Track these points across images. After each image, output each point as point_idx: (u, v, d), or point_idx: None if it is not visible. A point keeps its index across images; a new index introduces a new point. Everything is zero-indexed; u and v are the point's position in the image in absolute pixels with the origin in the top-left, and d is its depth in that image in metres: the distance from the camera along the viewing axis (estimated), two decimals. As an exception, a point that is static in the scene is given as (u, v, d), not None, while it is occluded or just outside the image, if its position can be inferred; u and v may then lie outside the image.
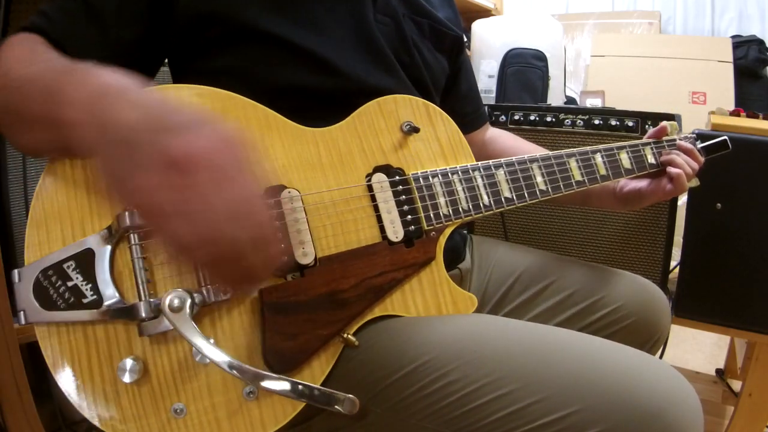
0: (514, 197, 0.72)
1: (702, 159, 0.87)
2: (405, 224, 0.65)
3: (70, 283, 0.52)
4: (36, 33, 0.60)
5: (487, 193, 0.71)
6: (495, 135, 1.01)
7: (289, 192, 0.61)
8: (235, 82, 0.63)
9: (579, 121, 1.26)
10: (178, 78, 0.71)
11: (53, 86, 0.50)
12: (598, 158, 0.80)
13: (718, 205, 1.11)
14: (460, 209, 0.69)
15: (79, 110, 0.47)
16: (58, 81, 0.50)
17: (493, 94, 2.27)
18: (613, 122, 1.23)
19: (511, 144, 0.99)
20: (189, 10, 0.64)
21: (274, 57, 0.67)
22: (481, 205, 0.70)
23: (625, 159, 0.82)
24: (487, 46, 2.28)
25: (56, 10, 0.62)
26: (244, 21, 0.66)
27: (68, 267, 0.52)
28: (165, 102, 0.45)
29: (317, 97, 0.69)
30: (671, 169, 0.83)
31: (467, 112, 0.94)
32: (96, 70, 0.50)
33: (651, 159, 0.84)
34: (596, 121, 1.24)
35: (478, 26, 2.32)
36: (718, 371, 1.68)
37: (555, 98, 2.28)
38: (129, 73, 0.49)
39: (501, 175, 0.72)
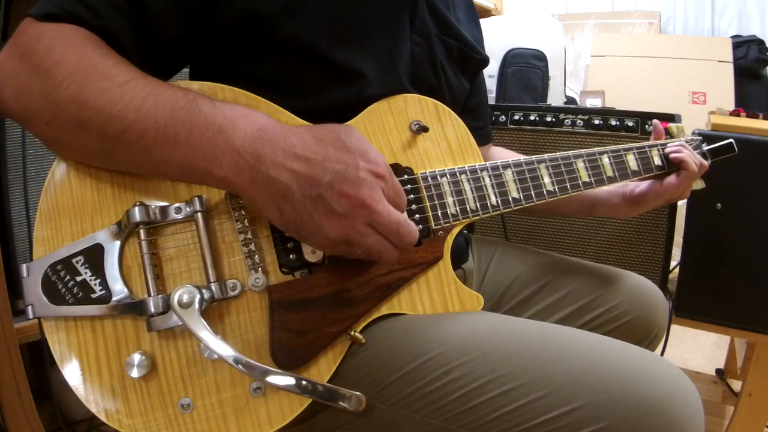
0: (522, 197, 0.72)
1: (707, 163, 0.87)
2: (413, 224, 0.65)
3: (78, 278, 0.52)
4: (78, 25, 0.54)
5: (495, 193, 0.71)
6: (496, 150, 1.01)
7: None
8: (263, 91, 0.62)
9: (579, 121, 1.26)
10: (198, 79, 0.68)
11: (179, 135, 0.50)
12: (605, 159, 0.80)
13: (718, 205, 1.11)
14: (468, 209, 0.69)
15: (231, 169, 0.50)
16: (183, 128, 0.50)
17: (493, 94, 2.27)
18: (613, 122, 1.23)
19: (509, 155, 0.99)
20: (239, 11, 0.61)
21: (313, 74, 0.65)
22: (489, 205, 0.70)
23: (631, 160, 0.82)
24: (487, 46, 2.27)
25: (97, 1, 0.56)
26: (291, 30, 0.63)
27: (77, 262, 0.52)
28: (311, 144, 0.51)
29: (345, 117, 0.67)
30: (676, 155, 0.83)
31: (476, 127, 0.89)
32: (223, 110, 0.51)
33: (657, 161, 0.84)
34: (596, 121, 1.24)
35: (479, 26, 2.32)
36: (718, 371, 1.69)
37: (555, 98, 2.28)
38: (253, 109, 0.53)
39: (509, 175, 0.72)
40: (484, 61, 0.87)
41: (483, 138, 0.95)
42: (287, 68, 0.65)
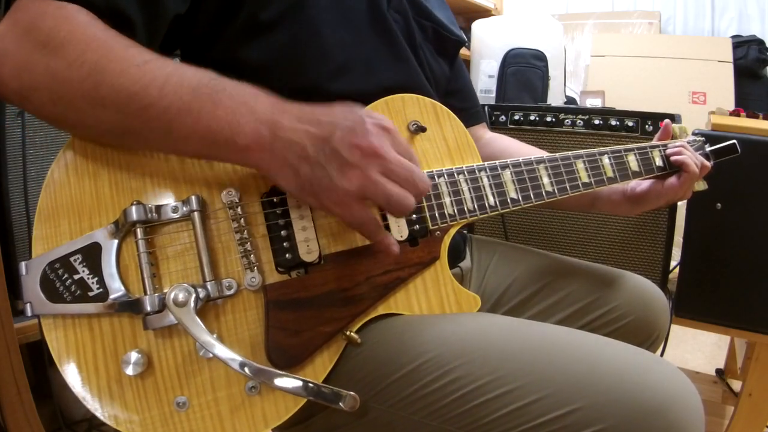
0: (520, 198, 0.72)
1: (710, 164, 0.86)
2: (410, 223, 0.65)
3: (76, 276, 0.52)
4: (83, 5, 0.54)
5: (493, 194, 0.70)
6: (495, 136, 1.01)
7: None
8: (252, 79, 0.62)
9: (579, 121, 1.26)
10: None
11: (204, 108, 0.51)
12: (606, 160, 0.79)
13: (718, 205, 1.11)
14: (466, 209, 0.68)
15: (253, 137, 0.52)
16: (208, 102, 0.51)
17: (493, 94, 2.27)
18: (613, 122, 1.23)
19: (508, 144, 0.99)
20: None
21: (301, 54, 0.67)
22: (487, 205, 0.70)
23: (632, 161, 0.81)
24: (487, 46, 2.28)
25: None
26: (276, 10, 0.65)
27: (75, 260, 0.52)
28: (320, 111, 0.54)
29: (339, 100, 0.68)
30: (677, 157, 0.82)
31: (460, 108, 0.90)
32: (245, 86, 0.54)
33: (659, 161, 0.84)
34: (596, 121, 1.24)
35: (478, 26, 2.32)
36: (718, 371, 1.69)
37: (555, 98, 2.28)
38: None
39: (507, 175, 0.72)
40: (460, 42, 0.88)
41: (472, 118, 0.95)
42: (275, 51, 0.66)
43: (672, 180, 0.83)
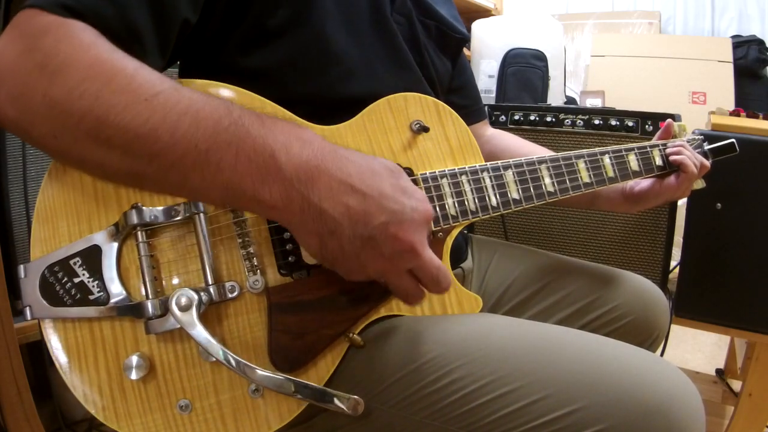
0: (522, 198, 0.72)
1: (708, 163, 0.86)
2: None
3: (76, 280, 0.52)
4: (87, 20, 0.48)
5: (495, 194, 0.70)
6: (496, 133, 1.01)
7: None
8: (257, 86, 0.61)
9: (579, 121, 1.26)
10: (187, 75, 0.68)
11: (223, 160, 0.45)
12: (606, 160, 0.79)
13: (718, 205, 1.11)
14: (468, 210, 0.68)
15: (281, 197, 0.46)
16: (228, 153, 0.45)
17: (493, 94, 2.27)
18: (613, 122, 1.23)
19: (511, 141, 0.99)
20: None
21: (308, 61, 0.65)
22: (489, 206, 0.69)
23: (633, 161, 0.82)
24: (487, 46, 2.28)
25: None
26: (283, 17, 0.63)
27: (75, 263, 0.52)
28: (364, 172, 0.49)
29: (344, 105, 0.67)
30: (676, 157, 0.82)
31: (461, 106, 0.90)
32: (274, 130, 0.47)
33: (659, 161, 0.84)
34: (596, 121, 1.24)
35: (478, 26, 2.32)
36: (718, 371, 1.69)
37: (555, 98, 2.28)
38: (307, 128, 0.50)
39: (509, 176, 0.71)
40: (464, 40, 0.87)
41: (473, 116, 0.96)
42: (281, 58, 0.65)
43: (671, 179, 0.83)
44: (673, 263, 1.21)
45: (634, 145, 0.83)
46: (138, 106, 0.44)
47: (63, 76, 0.44)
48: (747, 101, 2.50)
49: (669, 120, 0.90)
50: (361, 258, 0.49)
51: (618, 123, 1.22)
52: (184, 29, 0.57)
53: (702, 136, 0.91)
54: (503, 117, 1.33)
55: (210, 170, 0.45)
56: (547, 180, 0.74)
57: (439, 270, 0.52)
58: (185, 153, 0.45)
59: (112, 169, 0.48)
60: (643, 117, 1.22)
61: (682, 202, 1.19)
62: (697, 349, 1.98)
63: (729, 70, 2.56)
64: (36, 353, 1.28)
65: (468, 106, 0.93)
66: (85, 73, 0.44)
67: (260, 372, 0.50)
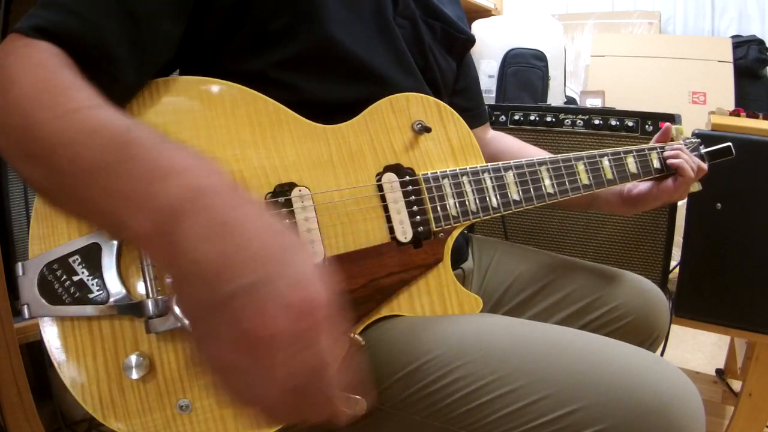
0: (522, 199, 0.72)
1: (705, 166, 0.87)
2: (414, 225, 0.65)
3: (75, 278, 0.52)
4: (57, 39, 0.48)
5: (496, 195, 0.70)
6: (496, 135, 1.01)
7: (300, 190, 0.60)
8: (259, 88, 0.61)
9: (579, 121, 1.26)
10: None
11: (108, 182, 0.40)
12: (606, 162, 0.80)
13: (718, 205, 1.11)
14: (469, 211, 0.69)
15: (146, 226, 0.38)
16: (114, 170, 0.40)
17: (493, 94, 2.27)
18: (613, 122, 1.23)
19: (511, 143, 0.99)
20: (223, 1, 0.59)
21: (312, 64, 0.65)
22: (490, 207, 0.70)
23: (631, 163, 0.83)
24: (487, 46, 2.28)
25: (83, 3, 0.50)
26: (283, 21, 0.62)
27: (74, 261, 0.52)
28: (244, 233, 0.37)
29: (347, 107, 0.67)
30: (673, 161, 0.83)
31: (464, 108, 0.90)
32: (159, 157, 0.41)
33: (657, 164, 0.85)
34: (596, 121, 1.24)
35: (478, 26, 2.32)
36: (718, 371, 1.69)
37: (555, 98, 2.28)
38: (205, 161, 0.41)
39: (510, 177, 0.72)
40: (470, 41, 0.87)
41: (476, 119, 0.95)
42: (282, 62, 0.64)
43: (668, 183, 0.84)
44: (673, 263, 1.21)
45: (633, 147, 0.83)
46: (55, 122, 0.43)
47: (7, 93, 0.45)
48: (747, 101, 2.50)
49: (668, 124, 0.90)
50: (216, 324, 0.36)
51: (618, 123, 1.22)
52: (167, 40, 0.57)
53: (699, 140, 0.92)
54: (503, 117, 1.33)
55: (88, 187, 0.42)
56: (547, 181, 0.74)
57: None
58: (76, 175, 0.42)
59: (40, 185, 0.46)
60: (643, 117, 1.22)
61: (682, 203, 1.19)
62: (697, 349, 1.98)
63: (729, 70, 2.56)
64: (36, 353, 1.28)
65: (471, 109, 0.94)
66: (21, 92, 0.45)
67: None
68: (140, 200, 0.39)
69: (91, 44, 0.49)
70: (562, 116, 1.28)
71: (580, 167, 0.77)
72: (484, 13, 2.53)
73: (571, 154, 0.77)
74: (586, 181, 0.78)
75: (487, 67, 2.28)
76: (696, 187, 0.89)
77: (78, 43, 0.49)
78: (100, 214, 0.42)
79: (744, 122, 1.17)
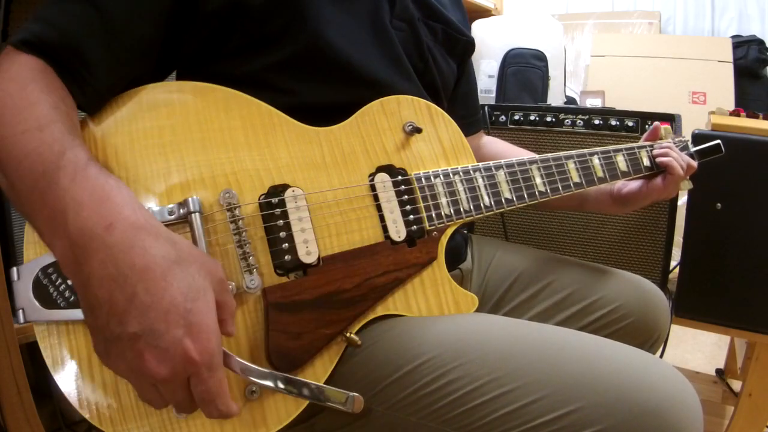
0: (514, 198, 0.73)
1: (695, 164, 0.88)
2: (407, 224, 0.66)
3: (70, 282, 0.51)
4: (38, 50, 0.52)
5: (488, 194, 0.71)
6: (489, 140, 1.01)
7: (293, 191, 0.61)
8: (253, 91, 0.62)
9: (579, 121, 1.26)
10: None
11: (37, 205, 0.45)
12: (596, 160, 0.81)
13: (718, 205, 1.11)
14: (462, 209, 0.69)
15: (64, 252, 0.44)
16: (41, 195, 0.45)
17: (493, 94, 2.27)
18: (613, 122, 1.23)
19: (503, 147, 1.00)
20: (224, 3, 0.60)
21: (306, 67, 0.65)
22: (482, 205, 0.70)
23: (621, 161, 0.84)
24: (487, 46, 2.28)
25: (62, 15, 0.53)
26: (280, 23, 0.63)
27: (69, 265, 0.52)
28: (145, 270, 0.41)
29: (341, 110, 0.67)
30: (662, 159, 0.84)
31: (461, 115, 0.90)
32: (79, 188, 0.44)
33: (646, 162, 0.86)
34: (596, 121, 1.24)
35: (478, 26, 2.32)
36: (718, 371, 1.69)
37: (555, 98, 2.28)
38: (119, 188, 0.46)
39: (501, 176, 0.73)
40: (471, 43, 0.87)
41: (471, 127, 0.96)
42: (276, 65, 0.65)
43: (657, 181, 0.85)
44: (673, 263, 1.21)
45: (622, 146, 0.85)
46: (9, 139, 0.47)
47: None
48: (747, 101, 2.49)
49: (656, 123, 0.91)
50: (110, 351, 0.43)
51: (618, 123, 1.22)
52: (142, 42, 0.58)
53: (687, 138, 0.93)
54: (503, 117, 1.33)
55: (33, 211, 0.47)
56: (538, 180, 0.75)
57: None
58: (21, 192, 0.47)
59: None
60: (643, 117, 1.22)
61: (681, 202, 1.19)
62: (697, 349, 1.98)
63: (729, 70, 2.56)
64: (36, 353, 1.28)
65: (467, 117, 0.94)
66: None
67: (259, 372, 0.50)
68: (59, 227, 0.44)
69: (62, 47, 0.52)
70: (562, 116, 1.28)
71: (571, 165, 0.78)
72: (484, 13, 2.53)
73: (562, 153, 0.78)
74: (577, 179, 0.78)
75: (487, 67, 2.27)
76: (687, 185, 0.89)
77: (51, 48, 0.52)
78: (39, 231, 0.47)
79: (744, 122, 1.17)
